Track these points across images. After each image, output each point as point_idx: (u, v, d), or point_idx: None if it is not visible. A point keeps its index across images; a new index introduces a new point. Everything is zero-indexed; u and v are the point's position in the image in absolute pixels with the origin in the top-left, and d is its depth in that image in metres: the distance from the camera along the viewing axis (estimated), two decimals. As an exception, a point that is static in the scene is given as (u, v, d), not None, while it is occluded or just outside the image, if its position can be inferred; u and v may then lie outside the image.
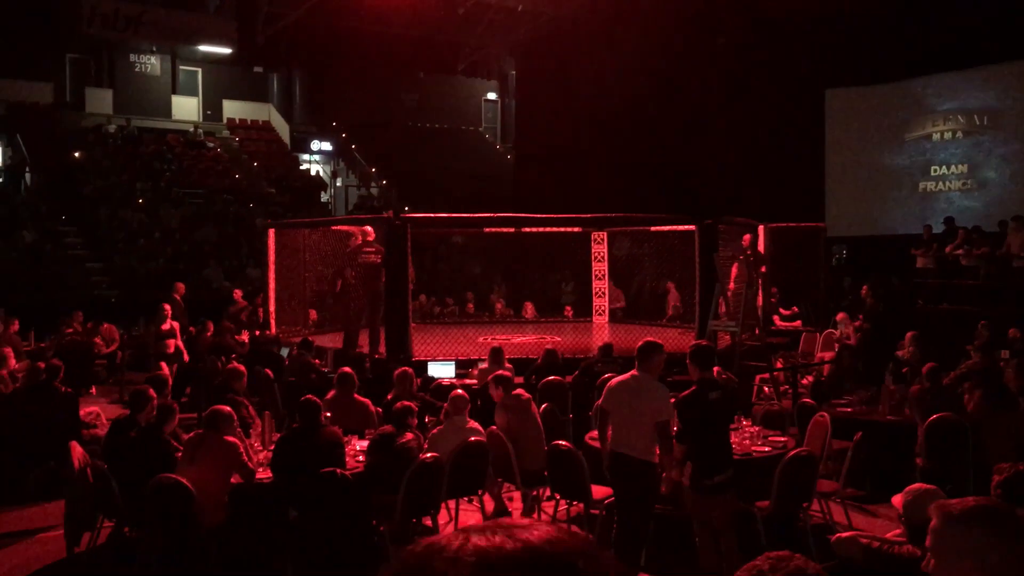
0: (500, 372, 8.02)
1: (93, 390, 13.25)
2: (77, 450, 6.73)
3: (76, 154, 23.84)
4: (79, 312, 14.51)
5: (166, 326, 12.57)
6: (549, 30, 25.00)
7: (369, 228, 12.06)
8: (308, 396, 6.66)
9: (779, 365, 11.54)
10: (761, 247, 13.06)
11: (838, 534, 4.19)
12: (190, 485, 5.76)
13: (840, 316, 13.26)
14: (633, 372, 6.05)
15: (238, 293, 15.43)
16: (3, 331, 13.16)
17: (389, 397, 7.97)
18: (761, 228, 13.28)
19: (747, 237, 12.55)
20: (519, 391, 7.71)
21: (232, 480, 6.12)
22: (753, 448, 6.94)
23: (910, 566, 2.27)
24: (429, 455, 6.49)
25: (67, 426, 8.28)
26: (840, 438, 7.39)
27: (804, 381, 11.04)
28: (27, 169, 22.82)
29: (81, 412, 8.99)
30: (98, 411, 9.50)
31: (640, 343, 6.18)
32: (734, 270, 12.02)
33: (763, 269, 12.67)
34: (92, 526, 6.55)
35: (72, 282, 18.44)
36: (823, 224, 15.47)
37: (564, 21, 23.96)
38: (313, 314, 14.60)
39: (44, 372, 8.91)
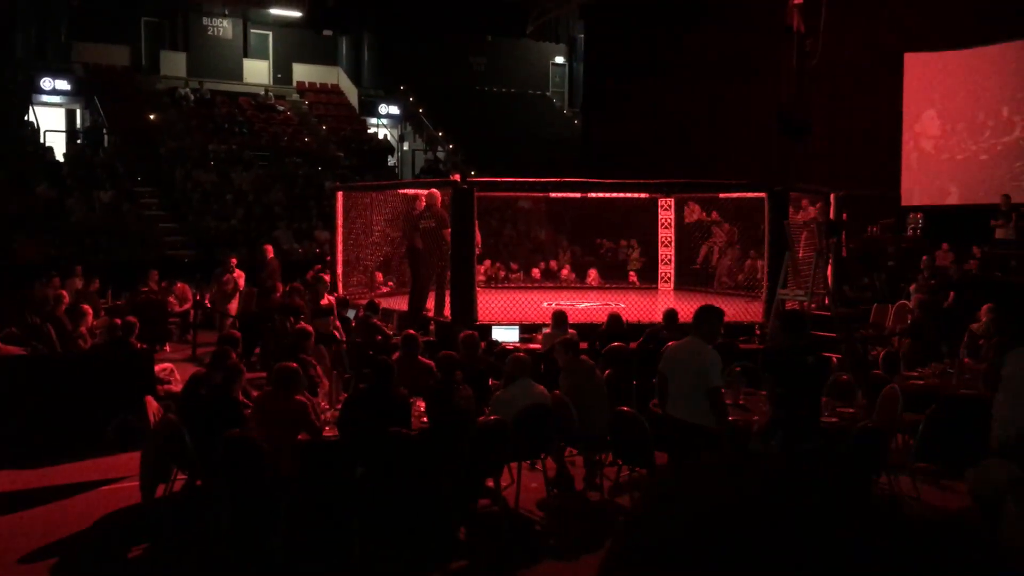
0: (566, 337, 8.00)
1: (167, 347, 13.61)
2: (152, 404, 6.95)
3: (152, 116, 24.39)
4: (155, 271, 14.85)
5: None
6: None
7: (425, 193, 12.01)
8: (382, 356, 6.73)
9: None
10: (832, 215, 12.77)
11: None
12: (260, 441, 5.89)
13: (914, 287, 12.92)
14: (688, 337, 6.03)
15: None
16: (83, 289, 13.60)
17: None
18: (832, 196, 12.97)
19: (818, 205, 12.28)
20: (583, 356, 7.69)
21: (300, 437, 6.24)
22: (821, 419, 6.82)
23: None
24: (492, 417, 6.53)
25: (142, 381, 8.53)
26: (912, 411, 7.23)
27: (873, 353, 10.80)
28: (105, 130, 23.42)
29: (155, 368, 9.23)
30: (171, 367, 9.75)
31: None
32: (803, 238, 11.79)
33: (833, 240, 12.40)
34: (167, 478, 6.76)
35: (148, 241, 18.91)
36: (898, 192, 15.02)
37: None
38: (380, 277, 14.74)
39: (120, 329, 9.17)
